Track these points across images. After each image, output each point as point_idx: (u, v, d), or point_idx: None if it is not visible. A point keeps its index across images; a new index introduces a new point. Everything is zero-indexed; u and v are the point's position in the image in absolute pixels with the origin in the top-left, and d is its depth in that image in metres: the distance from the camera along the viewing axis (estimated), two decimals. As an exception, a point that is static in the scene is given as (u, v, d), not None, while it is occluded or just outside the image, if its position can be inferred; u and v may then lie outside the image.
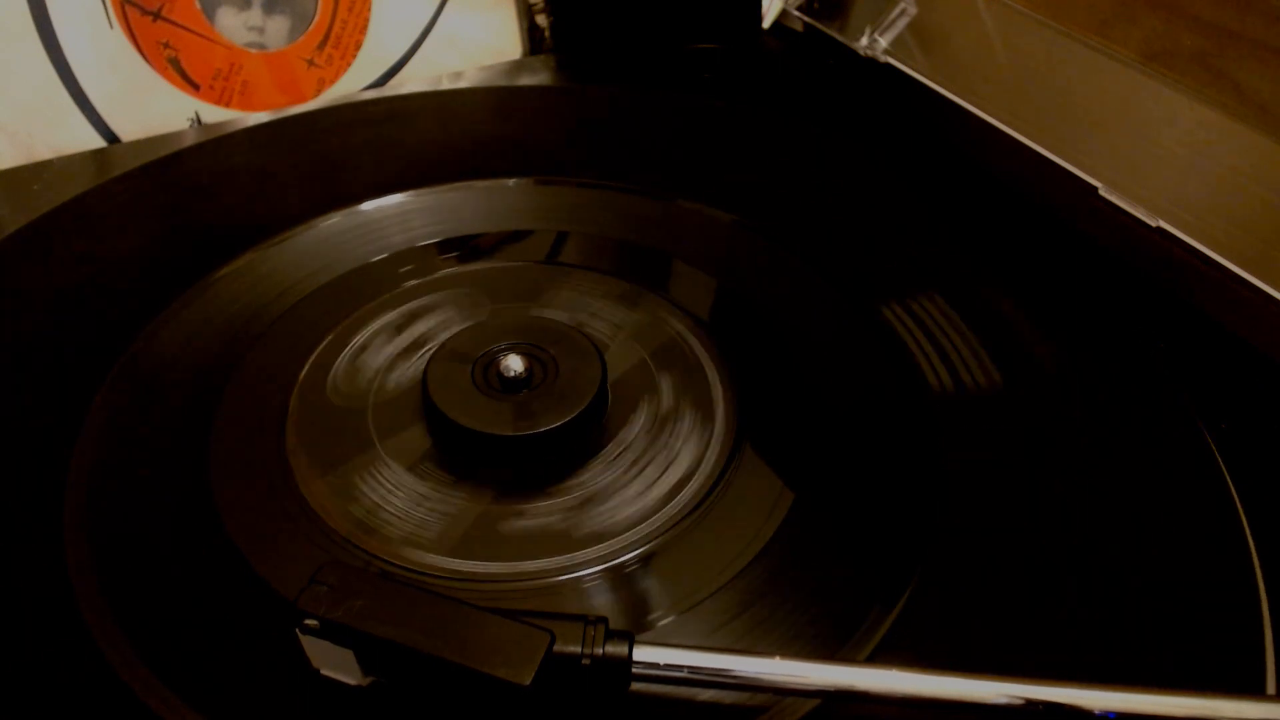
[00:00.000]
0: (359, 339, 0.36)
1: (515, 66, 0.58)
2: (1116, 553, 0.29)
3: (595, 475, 0.31)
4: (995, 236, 0.43)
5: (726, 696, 0.25)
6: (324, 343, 0.36)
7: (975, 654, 0.26)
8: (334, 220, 0.42)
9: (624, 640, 0.23)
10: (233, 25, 0.52)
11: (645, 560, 0.29)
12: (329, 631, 0.23)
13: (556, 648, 0.23)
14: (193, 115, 0.52)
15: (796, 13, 0.60)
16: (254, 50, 0.52)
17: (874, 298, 0.38)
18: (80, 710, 0.25)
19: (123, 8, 0.49)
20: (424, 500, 0.31)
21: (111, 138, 0.50)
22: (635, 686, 0.24)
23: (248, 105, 0.53)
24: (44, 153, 0.48)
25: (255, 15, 0.52)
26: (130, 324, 0.36)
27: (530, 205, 0.44)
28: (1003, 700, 0.22)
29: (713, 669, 0.23)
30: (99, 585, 0.28)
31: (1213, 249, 0.38)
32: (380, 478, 0.31)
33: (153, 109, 0.51)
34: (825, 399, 0.34)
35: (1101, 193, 0.42)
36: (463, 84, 0.56)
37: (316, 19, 0.53)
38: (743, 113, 0.52)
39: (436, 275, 0.40)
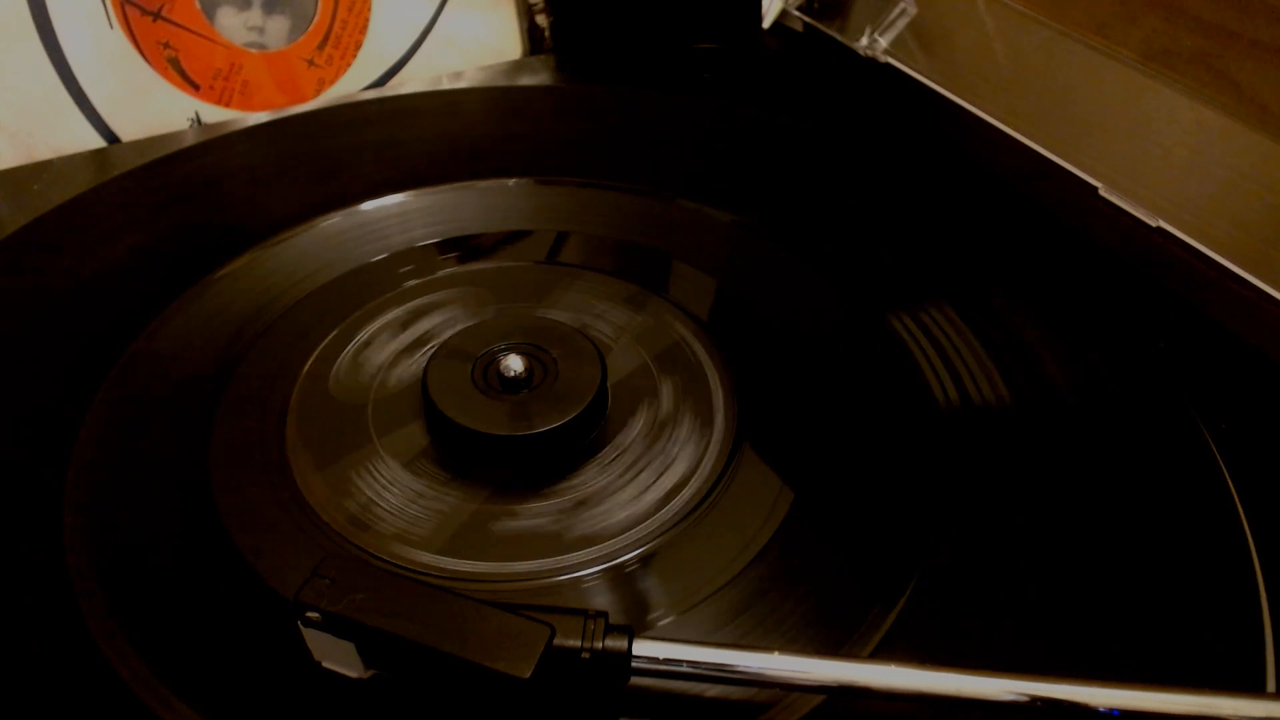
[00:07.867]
0: (363, 335, 0.36)
1: (515, 66, 0.58)
2: (1117, 552, 0.29)
3: (590, 478, 0.31)
4: (995, 237, 0.43)
5: (731, 693, 0.25)
6: (324, 342, 0.36)
7: (975, 656, 0.26)
8: (334, 220, 0.42)
9: (624, 634, 0.23)
10: (233, 25, 0.52)
11: (645, 560, 0.29)
12: (330, 624, 0.23)
13: (556, 641, 0.23)
14: (193, 115, 0.52)
15: (796, 13, 0.60)
16: (254, 50, 0.52)
17: (873, 297, 0.38)
18: (80, 709, 0.25)
19: (123, 8, 0.49)
20: (418, 497, 0.31)
21: (111, 138, 0.50)
22: (635, 681, 0.24)
23: (248, 105, 0.53)
24: (44, 153, 0.48)
25: (255, 15, 0.52)
26: (130, 324, 0.36)
27: (530, 205, 0.44)
28: (1006, 696, 0.22)
29: (712, 664, 0.23)
30: (99, 583, 0.28)
31: (1213, 249, 0.38)
32: (376, 474, 0.31)
33: (153, 109, 0.51)
34: (825, 399, 0.34)
35: (1101, 193, 0.42)
36: (463, 84, 0.56)
37: (316, 19, 0.53)
38: (743, 113, 0.52)
39: (441, 274, 0.39)
